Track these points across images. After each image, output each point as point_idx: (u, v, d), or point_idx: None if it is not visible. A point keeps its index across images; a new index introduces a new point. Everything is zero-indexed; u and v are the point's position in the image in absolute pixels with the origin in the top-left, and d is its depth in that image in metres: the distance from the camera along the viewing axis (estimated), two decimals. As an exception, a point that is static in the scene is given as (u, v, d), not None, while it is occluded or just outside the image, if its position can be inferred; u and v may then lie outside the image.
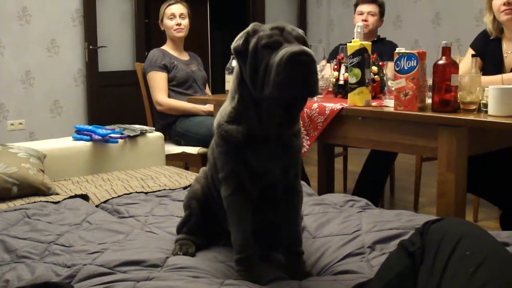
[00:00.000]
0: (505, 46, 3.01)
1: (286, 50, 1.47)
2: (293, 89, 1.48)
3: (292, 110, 1.60)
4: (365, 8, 3.93)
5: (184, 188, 2.70)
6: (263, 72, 1.51)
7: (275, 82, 1.46)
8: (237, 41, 1.60)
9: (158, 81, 3.97)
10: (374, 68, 2.91)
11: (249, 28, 1.59)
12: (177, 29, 4.05)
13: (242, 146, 1.61)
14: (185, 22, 4.08)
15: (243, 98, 1.61)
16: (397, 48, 2.55)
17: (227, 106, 1.67)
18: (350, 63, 2.61)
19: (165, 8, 4.08)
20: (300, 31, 1.58)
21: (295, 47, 1.47)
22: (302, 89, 1.49)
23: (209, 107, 3.90)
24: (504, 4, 2.88)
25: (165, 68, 3.99)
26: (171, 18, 4.05)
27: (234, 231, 1.67)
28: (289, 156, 1.66)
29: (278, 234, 1.75)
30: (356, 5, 4.04)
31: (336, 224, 2.07)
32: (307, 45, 1.55)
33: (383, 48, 3.71)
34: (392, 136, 2.58)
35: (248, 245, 1.66)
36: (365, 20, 3.90)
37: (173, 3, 4.08)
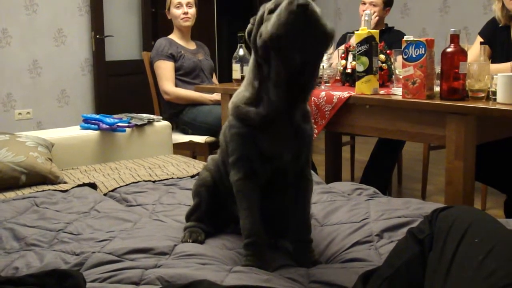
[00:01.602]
0: (514, 33, 3.00)
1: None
2: (297, 34, 1.44)
3: (302, 76, 1.53)
4: None
5: (192, 176, 2.70)
6: (264, 28, 1.50)
7: (275, 23, 1.44)
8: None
9: (165, 70, 3.97)
10: (382, 56, 2.90)
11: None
12: (184, 18, 4.04)
13: (256, 128, 1.61)
14: (192, 11, 4.07)
15: (259, 81, 1.60)
16: (405, 36, 2.53)
17: (243, 90, 1.67)
18: (358, 51, 2.60)
19: (172, -3, 4.07)
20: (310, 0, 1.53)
21: None
22: (306, 36, 1.45)
23: (216, 96, 3.90)
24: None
25: (172, 57, 3.99)
26: (178, 7, 4.04)
27: (243, 216, 1.67)
28: (300, 141, 1.66)
29: (287, 221, 1.75)
30: (360, -6, 4.03)
31: (344, 212, 2.06)
32: None
33: (391, 38, 3.69)
34: (400, 125, 2.57)
35: (257, 230, 1.66)
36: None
37: (180, -8, 4.08)
